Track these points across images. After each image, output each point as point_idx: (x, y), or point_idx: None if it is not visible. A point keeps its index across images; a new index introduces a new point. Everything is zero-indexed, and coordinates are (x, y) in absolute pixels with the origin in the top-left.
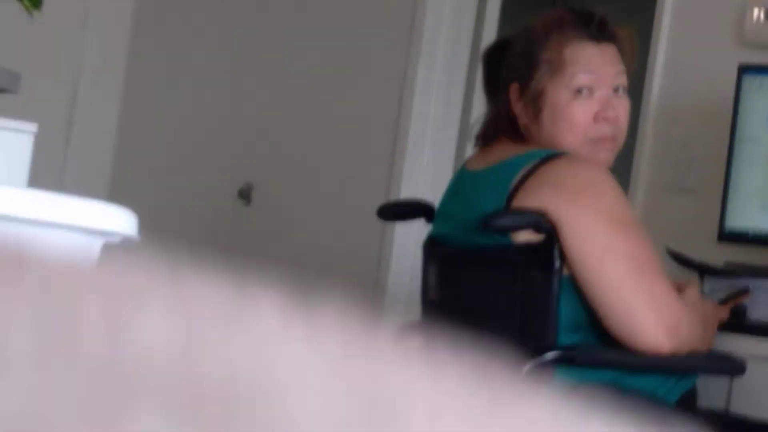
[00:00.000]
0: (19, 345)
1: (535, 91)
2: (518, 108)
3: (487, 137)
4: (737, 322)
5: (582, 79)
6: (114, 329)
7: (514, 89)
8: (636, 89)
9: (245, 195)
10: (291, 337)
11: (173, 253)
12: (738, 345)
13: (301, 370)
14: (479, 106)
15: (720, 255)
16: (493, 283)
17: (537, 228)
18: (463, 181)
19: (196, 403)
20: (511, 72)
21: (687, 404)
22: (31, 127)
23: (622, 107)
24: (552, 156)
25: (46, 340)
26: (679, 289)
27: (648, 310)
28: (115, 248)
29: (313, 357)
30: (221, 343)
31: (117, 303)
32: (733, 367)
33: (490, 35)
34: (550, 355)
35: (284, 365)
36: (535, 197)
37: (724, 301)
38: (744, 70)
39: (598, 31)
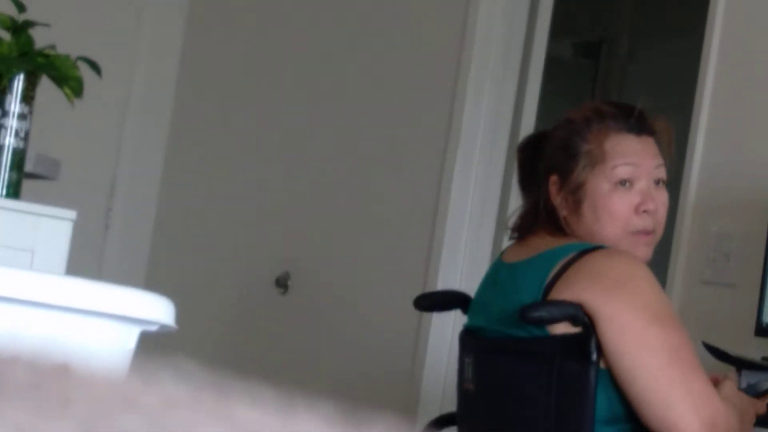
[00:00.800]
0: None
1: (575, 183)
2: (558, 200)
3: (524, 229)
4: None
5: (623, 171)
6: None
7: (553, 181)
8: (674, 183)
9: (282, 284)
10: None
11: (219, 374)
12: None
13: None
14: (516, 199)
15: (757, 349)
16: (529, 374)
17: (574, 321)
18: (499, 273)
19: None
20: (550, 163)
21: None
22: (70, 214)
23: (661, 200)
24: (590, 249)
25: None
26: (715, 382)
27: (685, 404)
28: (152, 337)
29: None
30: None
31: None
32: None
33: (528, 128)
34: None
35: None
36: (572, 290)
37: (760, 396)
38: None
39: (638, 123)
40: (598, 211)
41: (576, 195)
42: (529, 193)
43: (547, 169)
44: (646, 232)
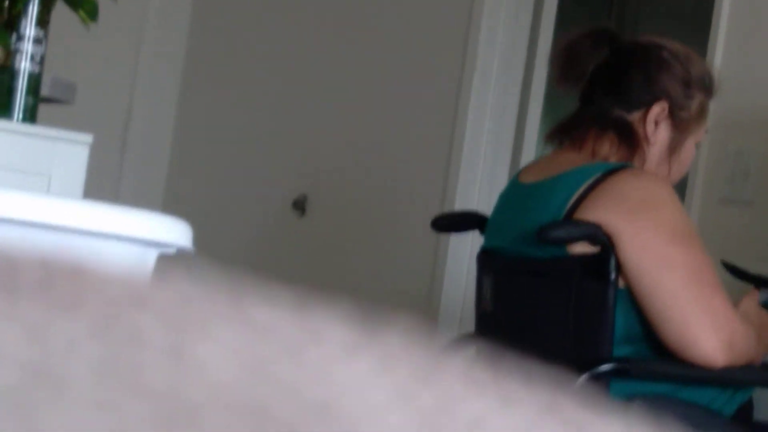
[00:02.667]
0: (79, 376)
1: (686, 125)
2: (651, 126)
3: (571, 133)
4: None
5: (702, 138)
6: (177, 359)
7: (662, 108)
8: None
9: (299, 206)
10: (359, 366)
11: (234, 274)
12: None
13: (371, 401)
14: (534, 117)
15: None
16: (547, 294)
17: (593, 240)
18: (518, 193)
19: None
20: (664, 89)
21: (743, 417)
22: (87, 138)
23: None
24: (616, 168)
25: (108, 371)
26: (735, 304)
27: (704, 322)
28: (170, 259)
29: (383, 387)
30: (287, 371)
31: (179, 330)
32: None
33: (546, 43)
34: (605, 367)
35: (353, 395)
36: (596, 210)
37: None
38: None
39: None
40: (679, 160)
41: (681, 134)
42: (577, 91)
43: (657, 92)
44: None
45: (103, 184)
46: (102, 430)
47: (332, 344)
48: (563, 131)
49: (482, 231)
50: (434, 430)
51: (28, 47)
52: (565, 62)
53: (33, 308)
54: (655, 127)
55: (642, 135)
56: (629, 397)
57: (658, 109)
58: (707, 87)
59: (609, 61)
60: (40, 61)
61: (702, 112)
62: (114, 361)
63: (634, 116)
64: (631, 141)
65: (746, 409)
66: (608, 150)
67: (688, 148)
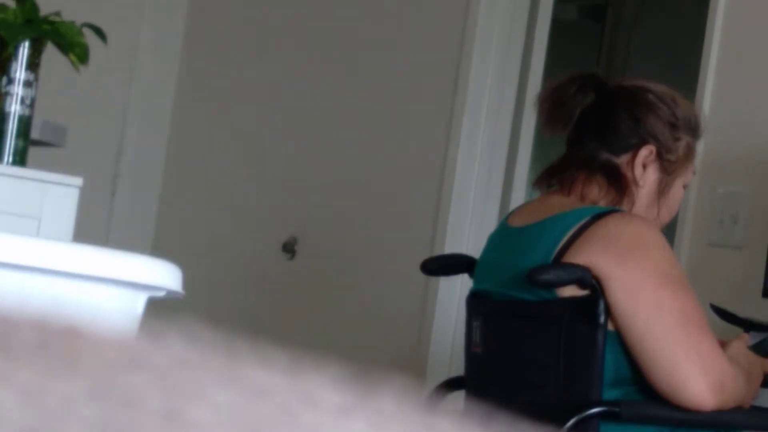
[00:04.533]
0: None
1: (673, 167)
2: (638, 169)
3: (558, 176)
4: None
5: (690, 179)
6: (172, 421)
7: (650, 150)
8: None
9: (289, 249)
10: (353, 428)
11: (228, 334)
12: None
13: None
14: (524, 160)
15: (765, 311)
16: (536, 337)
17: (582, 283)
18: (507, 236)
19: None
20: (651, 132)
21: None
22: (77, 181)
23: None
24: (603, 212)
25: None
26: (723, 345)
27: (693, 366)
28: (159, 303)
29: None
30: None
31: (175, 393)
32: None
33: (534, 89)
34: (594, 410)
35: None
36: (585, 254)
37: None
38: None
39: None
40: (668, 203)
41: (670, 176)
42: (563, 135)
43: (644, 134)
44: None
45: (93, 226)
46: None
47: (326, 407)
48: (552, 175)
49: (471, 274)
50: None
51: (18, 90)
52: (552, 106)
53: (29, 371)
54: (643, 169)
55: (630, 178)
56: None
57: (645, 152)
58: (694, 128)
59: (595, 104)
60: (30, 104)
61: (689, 153)
62: (110, 423)
63: (622, 159)
64: (619, 184)
65: None
66: (597, 193)
67: (677, 190)
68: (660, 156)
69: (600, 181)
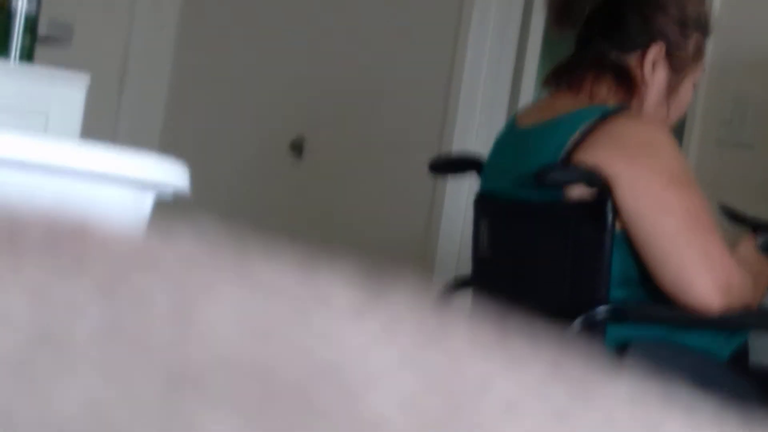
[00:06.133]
0: (83, 340)
1: (683, 65)
2: (648, 67)
3: (568, 76)
4: None
5: (699, 78)
6: (183, 321)
7: (659, 48)
8: None
9: (297, 148)
10: (366, 328)
11: (239, 230)
12: None
13: (379, 363)
14: (532, 59)
15: None
16: (544, 238)
17: (589, 183)
18: (515, 136)
19: (272, 395)
20: (660, 30)
21: (738, 360)
22: (84, 78)
23: None
24: (614, 112)
25: (112, 336)
26: (732, 247)
27: (700, 266)
28: (167, 202)
29: (389, 348)
30: (295, 333)
31: (185, 292)
32: None
33: None
34: (601, 310)
35: (361, 357)
36: (593, 153)
37: None
38: None
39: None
40: (677, 101)
41: (679, 75)
42: (574, 32)
43: (653, 33)
44: None
45: (100, 123)
46: (107, 394)
47: (339, 306)
48: (560, 74)
49: (479, 173)
50: (442, 392)
51: None
52: (561, 5)
53: (35, 270)
54: (653, 68)
55: (639, 77)
56: (625, 342)
57: (655, 51)
58: (703, 26)
59: (605, 3)
60: (37, 2)
61: (698, 51)
62: (119, 323)
63: (631, 58)
64: (628, 83)
65: (742, 352)
66: (606, 93)
67: (686, 88)
68: (669, 54)
69: (609, 80)
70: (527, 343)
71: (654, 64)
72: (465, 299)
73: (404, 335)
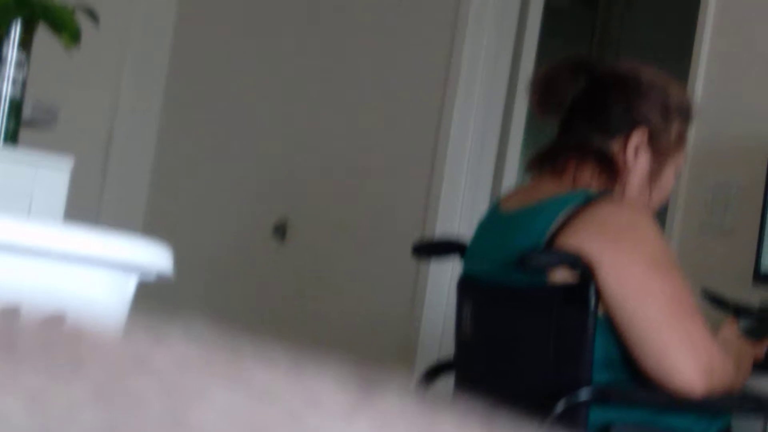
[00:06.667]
0: None
1: (665, 152)
2: (630, 151)
3: (551, 162)
4: None
5: (682, 165)
6: (177, 424)
7: (642, 133)
8: None
9: (280, 230)
10: (356, 428)
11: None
12: None
13: None
14: (515, 142)
15: (755, 296)
16: (527, 321)
17: (572, 266)
18: (498, 220)
19: None
20: (645, 115)
21: None
22: (68, 162)
23: None
24: (596, 197)
25: None
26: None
27: (683, 350)
28: (150, 286)
29: None
30: None
31: (179, 395)
32: (767, 408)
33: (526, 76)
34: (584, 392)
35: None
36: (576, 237)
37: (759, 340)
38: None
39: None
40: (660, 188)
41: (661, 161)
42: (557, 118)
43: (636, 119)
44: None
45: (84, 204)
46: None
47: (331, 408)
48: (544, 159)
49: (462, 257)
50: None
51: (9, 71)
52: (544, 90)
53: (33, 375)
54: (635, 154)
55: (622, 163)
56: (608, 424)
57: (637, 136)
58: (685, 112)
59: (588, 89)
60: (22, 85)
61: (681, 137)
62: (114, 427)
63: (614, 144)
64: (611, 169)
65: None
66: (589, 178)
67: (668, 175)
68: (652, 140)
69: (592, 165)
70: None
71: (637, 150)
72: (448, 383)
73: None
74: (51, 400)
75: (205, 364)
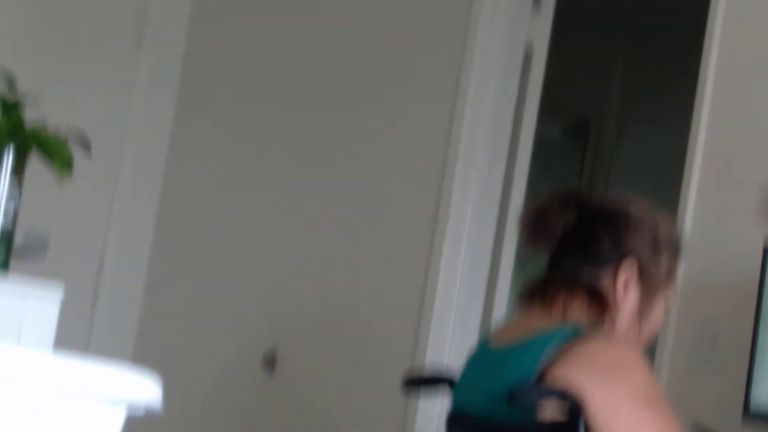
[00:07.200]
0: None
1: (655, 285)
2: (620, 283)
3: (541, 295)
4: None
5: (671, 300)
6: None
7: (630, 264)
8: None
9: (270, 360)
10: None
11: None
12: None
13: None
14: (505, 273)
15: None
16: None
17: (562, 400)
18: (487, 355)
19: None
20: (636, 247)
21: None
22: (58, 293)
23: None
24: (586, 332)
25: None
26: None
27: None
28: (138, 419)
29: None
30: None
31: None
32: None
33: (516, 208)
34: None
35: None
36: (566, 372)
37: None
38: None
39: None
40: (649, 322)
41: (651, 295)
42: (547, 251)
43: (625, 251)
44: None
45: (74, 331)
46: None
47: None
48: (533, 293)
49: (451, 389)
50: None
51: (1, 202)
52: (534, 225)
53: None
54: (625, 288)
55: (612, 297)
56: None
57: (627, 270)
58: (675, 247)
59: (577, 223)
60: (13, 216)
61: (670, 272)
62: None
63: (604, 276)
64: (600, 303)
65: None
66: (578, 312)
67: (658, 308)
68: (641, 274)
69: (581, 298)
70: None
71: (626, 284)
72: None
73: None
74: None
75: None
